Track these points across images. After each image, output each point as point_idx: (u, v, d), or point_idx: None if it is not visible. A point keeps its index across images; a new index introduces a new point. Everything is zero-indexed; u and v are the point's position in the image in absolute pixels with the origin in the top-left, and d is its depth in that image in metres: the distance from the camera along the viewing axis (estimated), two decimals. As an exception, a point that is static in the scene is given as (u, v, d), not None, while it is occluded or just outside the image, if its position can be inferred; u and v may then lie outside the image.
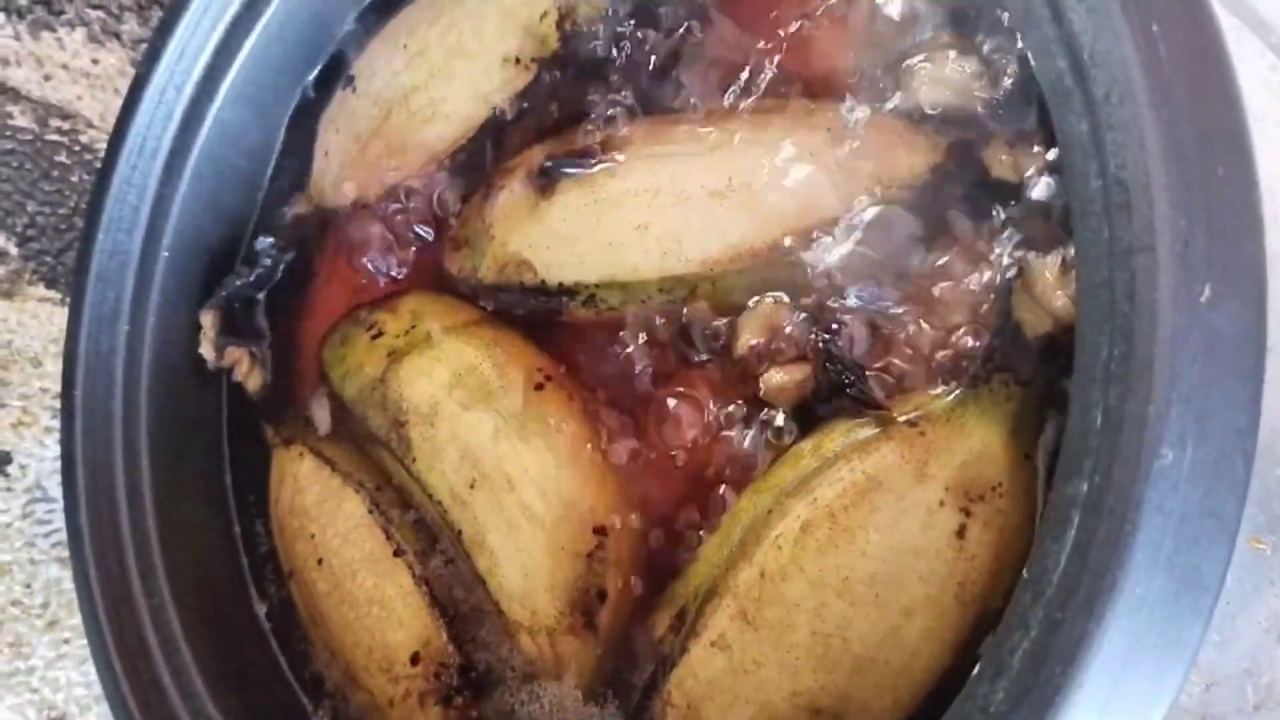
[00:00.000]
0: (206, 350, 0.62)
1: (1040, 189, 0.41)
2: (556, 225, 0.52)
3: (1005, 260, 0.42)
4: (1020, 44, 0.41)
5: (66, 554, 0.61)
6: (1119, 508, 0.32)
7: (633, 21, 0.54)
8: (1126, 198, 0.33)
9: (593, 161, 0.51)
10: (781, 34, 0.50)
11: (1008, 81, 0.42)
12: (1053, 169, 0.41)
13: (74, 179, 0.72)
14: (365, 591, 0.54)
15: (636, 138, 0.52)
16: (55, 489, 0.68)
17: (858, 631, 0.41)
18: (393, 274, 0.60)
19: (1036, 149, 0.42)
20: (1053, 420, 0.40)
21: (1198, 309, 0.32)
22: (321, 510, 0.57)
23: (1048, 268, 0.40)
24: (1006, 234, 0.42)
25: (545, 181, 0.52)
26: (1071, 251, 0.39)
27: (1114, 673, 0.32)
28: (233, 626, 0.60)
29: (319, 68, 0.65)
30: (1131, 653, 0.32)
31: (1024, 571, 0.35)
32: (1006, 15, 0.42)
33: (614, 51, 0.55)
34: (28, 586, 0.68)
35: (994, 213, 0.43)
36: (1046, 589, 0.34)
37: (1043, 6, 0.38)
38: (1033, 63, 0.39)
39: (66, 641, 0.68)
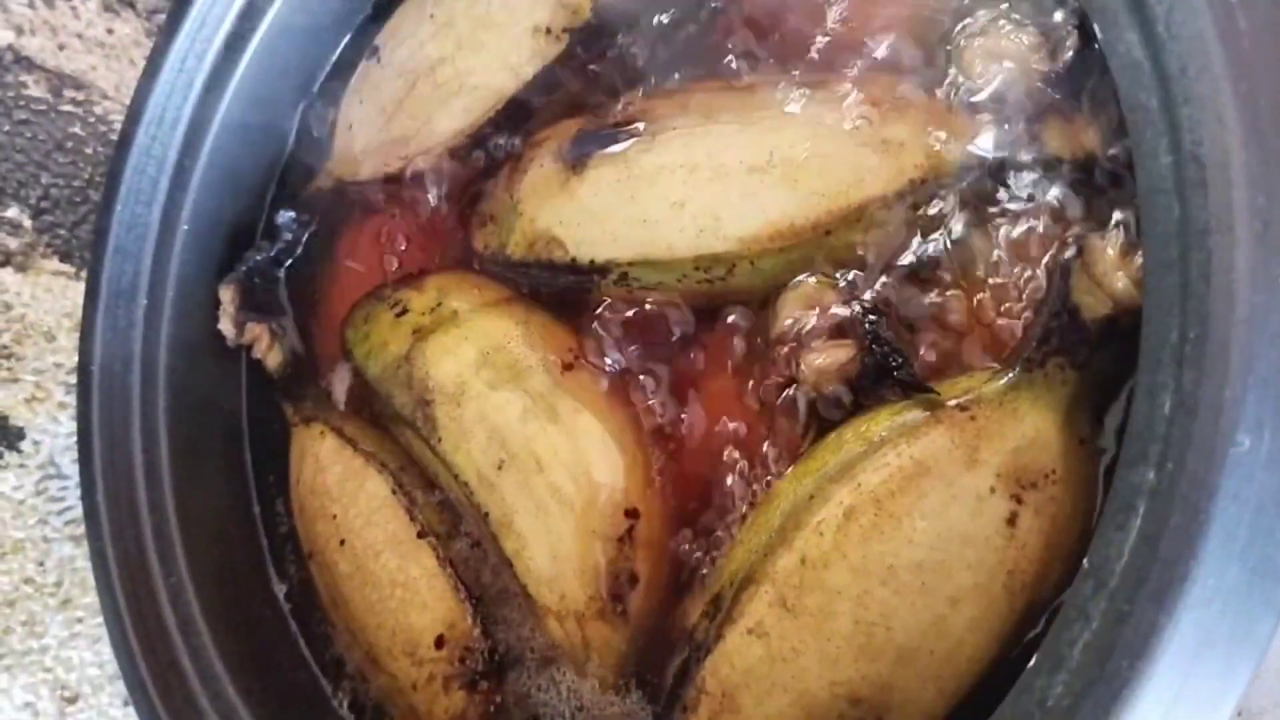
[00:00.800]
0: (226, 326, 0.61)
1: (1102, 166, 0.40)
2: (588, 201, 0.50)
3: (1063, 240, 0.41)
4: (1082, 15, 0.40)
5: (80, 532, 0.61)
6: (1192, 496, 0.31)
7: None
8: (1203, 175, 0.32)
9: (626, 135, 0.50)
10: (828, 3, 0.49)
11: (1067, 54, 0.41)
12: (1116, 145, 0.40)
13: (88, 151, 0.71)
14: (388, 573, 0.53)
15: (672, 111, 0.50)
16: (69, 466, 0.67)
17: (902, 620, 0.40)
18: (418, 250, 0.59)
19: (1097, 124, 0.40)
20: (1110, 406, 0.39)
21: (1277, 290, 0.31)
22: (343, 490, 0.56)
23: (1109, 248, 0.38)
24: (1064, 213, 0.41)
25: (577, 156, 0.51)
26: (1135, 231, 0.38)
27: (1183, 667, 0.31)
28: (252, 607, 0.59)
29: (343, 38, 0.64)
30: (1202, 647, 0.31)
31: (1084, 561, 0.34)
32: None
33: (650, 20, 0.53)
34: (41, 564, 0.67)
35: (1051, 191, 0.42)
36: (1109, 579, 0.33)
37: (1111, -22, 0.37)
38: (1099, 35, 0.37)
39: (80, 621, 0.67)
